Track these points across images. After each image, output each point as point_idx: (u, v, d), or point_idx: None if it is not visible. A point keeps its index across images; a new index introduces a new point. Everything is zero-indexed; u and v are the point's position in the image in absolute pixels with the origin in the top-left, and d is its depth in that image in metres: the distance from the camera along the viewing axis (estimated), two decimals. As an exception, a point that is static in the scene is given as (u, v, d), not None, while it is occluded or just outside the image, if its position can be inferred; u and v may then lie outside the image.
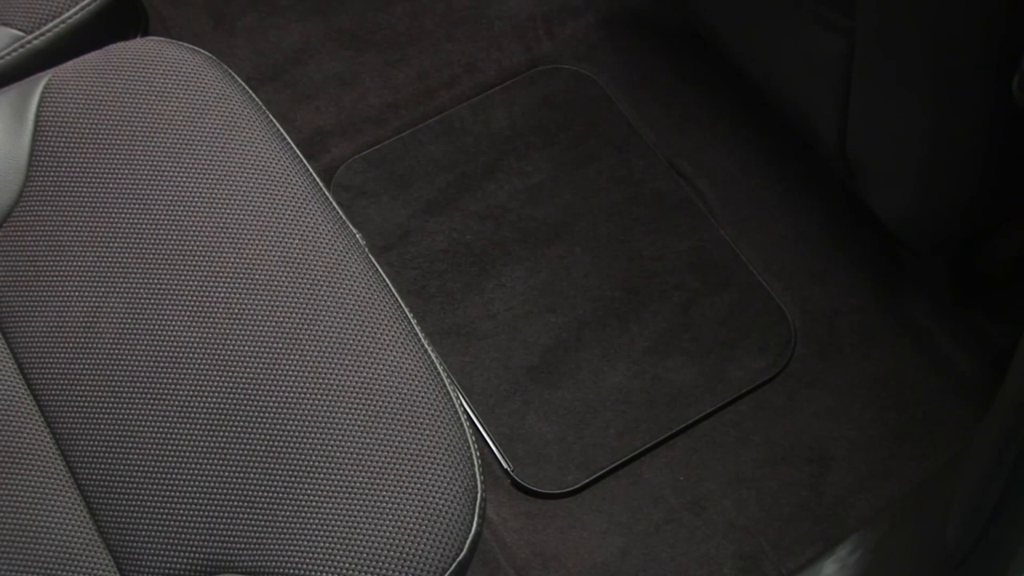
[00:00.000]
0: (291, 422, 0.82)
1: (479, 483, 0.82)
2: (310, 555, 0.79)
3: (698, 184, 1.33)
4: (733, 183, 1.33)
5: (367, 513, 0.79)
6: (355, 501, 0.80)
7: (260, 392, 0.83)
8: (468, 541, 0.80)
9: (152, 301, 0.87)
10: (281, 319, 0.86)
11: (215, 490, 0.82)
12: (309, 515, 0.80)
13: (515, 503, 1.16)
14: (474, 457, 0.82)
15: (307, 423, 0.82)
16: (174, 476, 0.82)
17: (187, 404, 0.84)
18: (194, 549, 0.81)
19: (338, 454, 0.81)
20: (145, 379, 0.85)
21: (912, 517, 1.09)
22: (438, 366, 0.85)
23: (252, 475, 0.81)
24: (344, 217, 0.91)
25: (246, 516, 0.81)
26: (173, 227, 0.90)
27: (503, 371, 1.24)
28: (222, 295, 0.87)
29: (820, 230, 1.30)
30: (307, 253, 0.88)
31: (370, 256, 0.89)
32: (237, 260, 0.88)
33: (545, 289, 1.28)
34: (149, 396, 0.85)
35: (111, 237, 0.90)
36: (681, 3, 1.28)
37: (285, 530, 0.80)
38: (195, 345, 0.85)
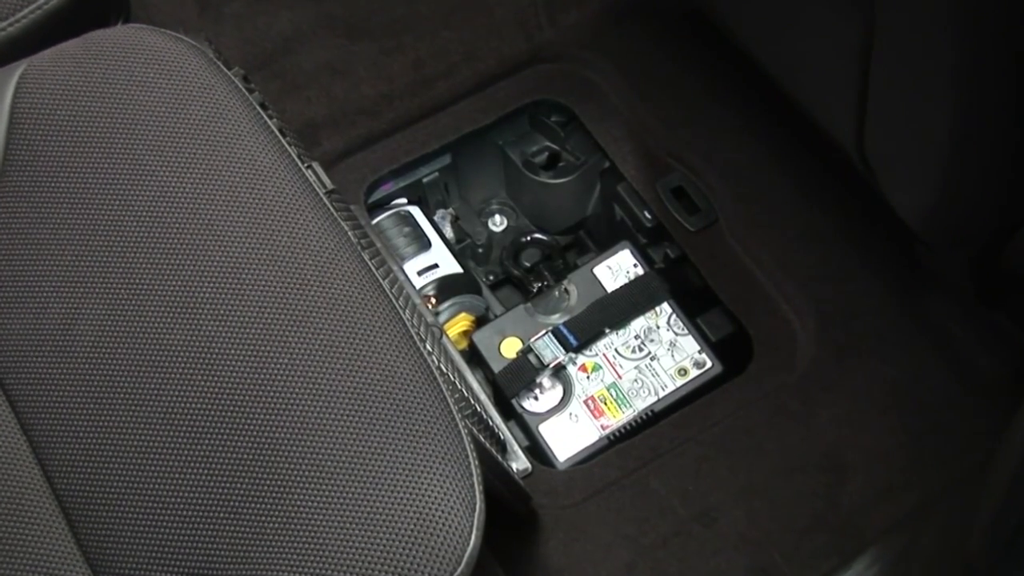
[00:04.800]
0: (280, 429, 0.82)
1: (478, 494, 0.82)
2: (300, 569, 0.79)
3: (708, 179, 1.33)
4: (744, 178, 1.33)
5: (360, 526, 0.79)
6: (347, 513, 0.80)
7: (247, 398, 0.83)
8: (467, 555, 0.80)
9: (133, 302, 0.87)
10: (269, 321, 0.86)
11: (200, 501, 0.81)
12: (299, 527, 0.80)
13: (516, 514, 1.16)
14: (473, 466, 0.82)
15: (297, 430, 0.82)
16: (157, 486, 0.82)
17: (170, 410, 0.84)
18: (178, 563, 0.81)
19: (329, 463, 0.81)
20: (126, 384, 0.85)
21: (933, 529, 1.09)
22: (434, 370, 0.85)
23: (239, 485, 0.81)
24: (335, 213, 0.91)
25: (232, 528, 0.81)
26: (155, 224, 0.89)
27: (503, 375, 1.24)
28: (207, 296, 0.87)
29: (836, 228, 1.29)
30: (297, 251, 0.88)
31: (363, 255, 0.89)
32: (223, 259, 0.88)
33: (547, 289, 1.28)
34: (130, 402, 0.85)
35: (90, 235, 0.90)
36: (690, -12, 1.28)
37: (273, 543, 0.80)
38: (179, 348, 0.85)
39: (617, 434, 1.21)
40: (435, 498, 0.80)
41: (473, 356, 1.27)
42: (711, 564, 1.14)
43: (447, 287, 1.30)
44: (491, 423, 1.04)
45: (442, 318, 1.29)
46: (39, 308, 0.88)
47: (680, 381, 1.23)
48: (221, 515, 0.81)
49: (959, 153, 0.99)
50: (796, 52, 1.13)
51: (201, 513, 0.81)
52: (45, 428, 0.86)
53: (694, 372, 1.23)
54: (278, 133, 0.94)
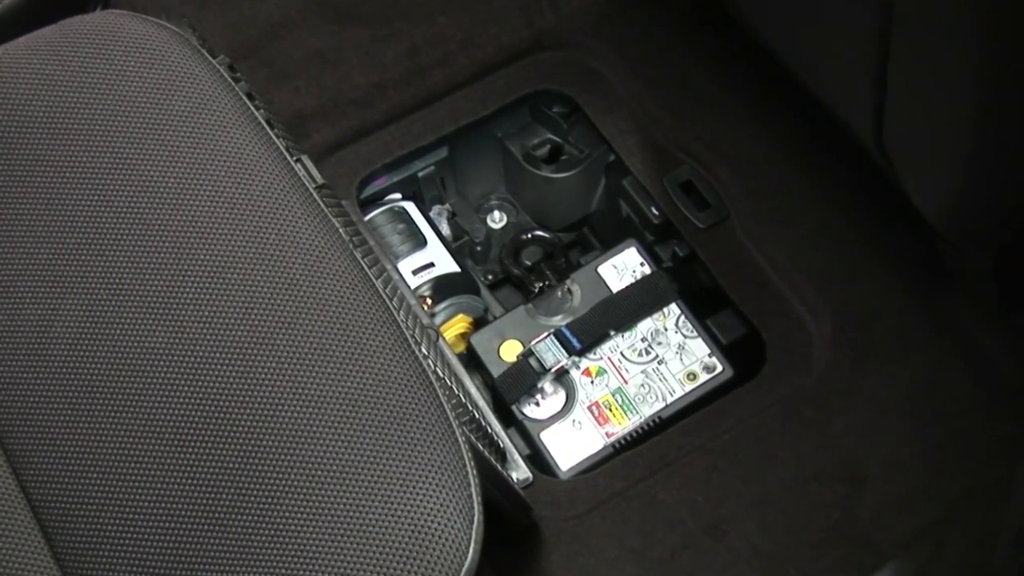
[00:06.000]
0: (268, 436, 0.82)
1: (476, 505, 0.81)
2: (288, 585, 0.79)
3: (718, 173, 1.32)
4: (757, 172, 1.33)
5: (352, 539, 0.79)
6: (338, 525, 0.79)
7: (233, 403, 0.83)
8: (464, 570, 0.80)
9: (113, 303, 0.87)
10: (256, 322, 0.85)
11: (183, 512, 0.81)
12: (287, 540, 0.79)
13: (516, 526, 1.16)
14: (471, 476, 0.82)
15: (285, 437, 0.82)
16: (138, 496, 0.82)
17: (152, 416, 0.84)
18: (160, 578, 0.81)
19: (320, 472, 0.81)
20: (106, 389, 0.85)
21: (955, 542, 1.09)
22: (430, 374, 0.85)
23: (224, 495, 0.81)
24: (326, 209, 0.91)
25: (217, 541, 0.80)
26: (136, 221, 0.89)
27: (502, 380, 1.24)
28: (191, 296, 0.87)
29: (853, 225, 1.29)
30: (285, 249, 0.88)
31: (355, 253, 0.89)
32: (207, 257, 0.88)
33: (549, 289, 1.28)
34: (110, 407, 0.84)
35: (68, 232, 0.90)
36: (699, -28, 1.28)
37: (260, 557, 0.79)
38: (161, 351, 0.85)
39: (623, 442, 1.21)
40: (431, 509, 0.80)
41: (471, 360, 1.27)
42: (722, 579, 1.14)
43: (444, 287, 1.30)
44: (490, 430, 1.04)
45: (438, 320, 1.29)
46: (14, 309, 0.88)
47: (689, 386, 1.23)
48: (205, 527, 0.81)
49: (982, 142, 0.99)
50: (810, 38, 1.13)
51: (184, 525, 0.81)
52: (20, 435, 0.86)
53: (704, 376, 1.23)
54: (265, 125, 0.94)
